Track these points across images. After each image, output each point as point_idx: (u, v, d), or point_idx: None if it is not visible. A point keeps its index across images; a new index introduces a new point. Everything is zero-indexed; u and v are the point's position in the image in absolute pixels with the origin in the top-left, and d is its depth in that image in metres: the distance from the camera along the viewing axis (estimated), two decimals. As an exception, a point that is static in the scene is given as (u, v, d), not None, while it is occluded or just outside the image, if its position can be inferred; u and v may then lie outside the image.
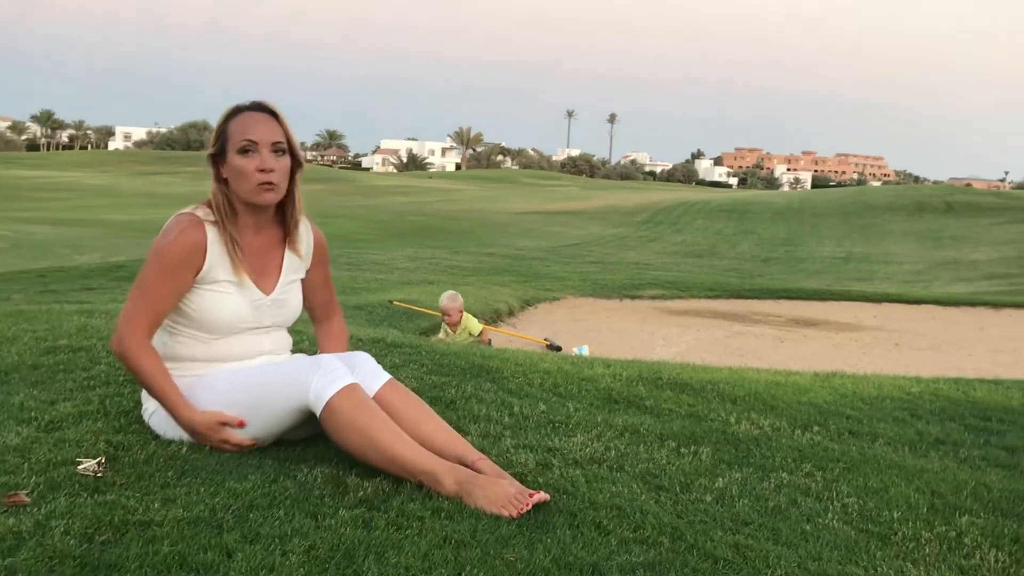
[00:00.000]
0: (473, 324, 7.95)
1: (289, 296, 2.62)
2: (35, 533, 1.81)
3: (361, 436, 2.28)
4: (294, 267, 2.63)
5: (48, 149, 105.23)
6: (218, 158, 2.50)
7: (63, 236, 18.95)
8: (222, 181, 2.50)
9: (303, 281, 2.68)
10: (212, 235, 2.46)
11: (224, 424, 2.38)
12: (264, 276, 2.57)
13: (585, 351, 8.13)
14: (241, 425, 2.39)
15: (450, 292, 8.18)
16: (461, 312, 7.88)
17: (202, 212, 2.48)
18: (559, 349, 8.46)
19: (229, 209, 2.49)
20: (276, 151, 2.48)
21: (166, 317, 2.47)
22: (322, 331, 2.82)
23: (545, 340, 9.28)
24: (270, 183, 2.46)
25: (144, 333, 2.42)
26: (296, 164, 2.55)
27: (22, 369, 3.19)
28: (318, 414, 2.32)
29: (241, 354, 2.55)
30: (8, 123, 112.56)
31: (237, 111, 2.50)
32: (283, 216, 2.60)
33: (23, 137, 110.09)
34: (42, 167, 62.38)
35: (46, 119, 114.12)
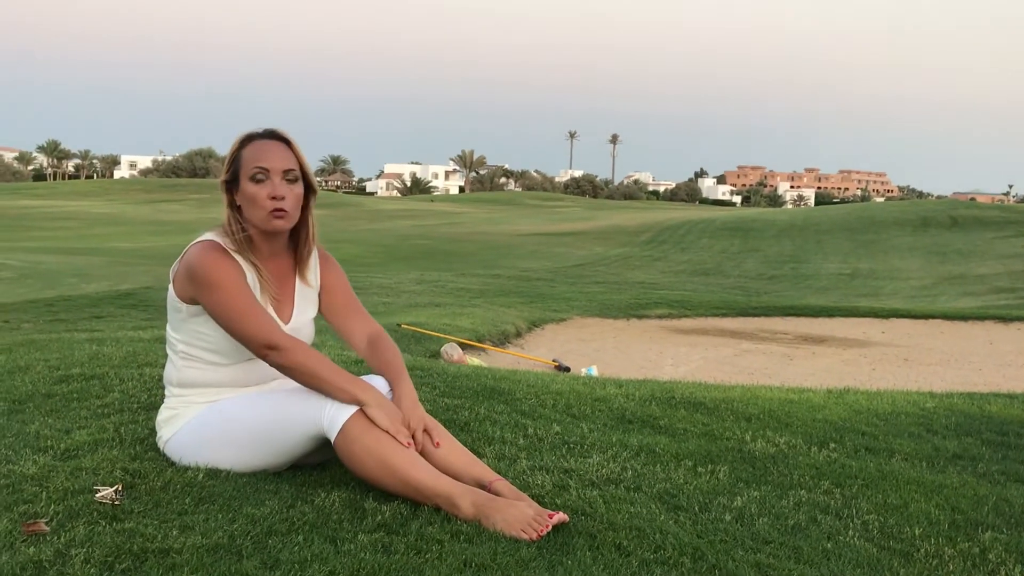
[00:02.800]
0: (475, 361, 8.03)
1: (303, 325, 2.62)
2: (55, 562, 1.80)
3: (376, 461, 2.27)
4: (306, 295, 2.63)
5: (54, 179, 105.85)
6: (231, 185, 2.51)
7: (71, 265, 19.01)
8: (235, 208, 2.51)
9: (324, 306, 2.68)
10: (240, 261, 2.47)
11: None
12: (281, 304, 2.57)
13: (594, 371, 8.11)
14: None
15: (448, 345, 8.34)
16: (463, 361, 7.96)
17: (223, 241, 2.49)
18: (568, 370, 8.43)
19: (243, 236, 2.50)
20: (288, 179, 2.49)
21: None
22: (366, 352, 2.61)
23: (553, 361, 9.26)
24: (281, 210, 2.47)
25: (282, 331, 2.41)
26: (310, 191, 2.56)
27: (36, 398, 3.19)
28: (332, 439, 2.32)
29: (255, 379, 2.55)
30: (15, 154, 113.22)
31: (250, 138, 2.51)
32: (296, 243, 2.61)
33: (30, 167, 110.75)
34: (49, 197, 62.70)
35: (52, 149, 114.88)
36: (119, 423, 2.84)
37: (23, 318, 10.47)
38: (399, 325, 10.00)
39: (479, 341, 9.90)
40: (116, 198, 61.38)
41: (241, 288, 2.41)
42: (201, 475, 2.36)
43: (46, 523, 1.98)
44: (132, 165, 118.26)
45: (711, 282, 24.57)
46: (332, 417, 2.32)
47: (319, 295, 2.67)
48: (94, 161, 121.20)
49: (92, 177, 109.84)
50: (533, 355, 9.88)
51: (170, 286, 2.51)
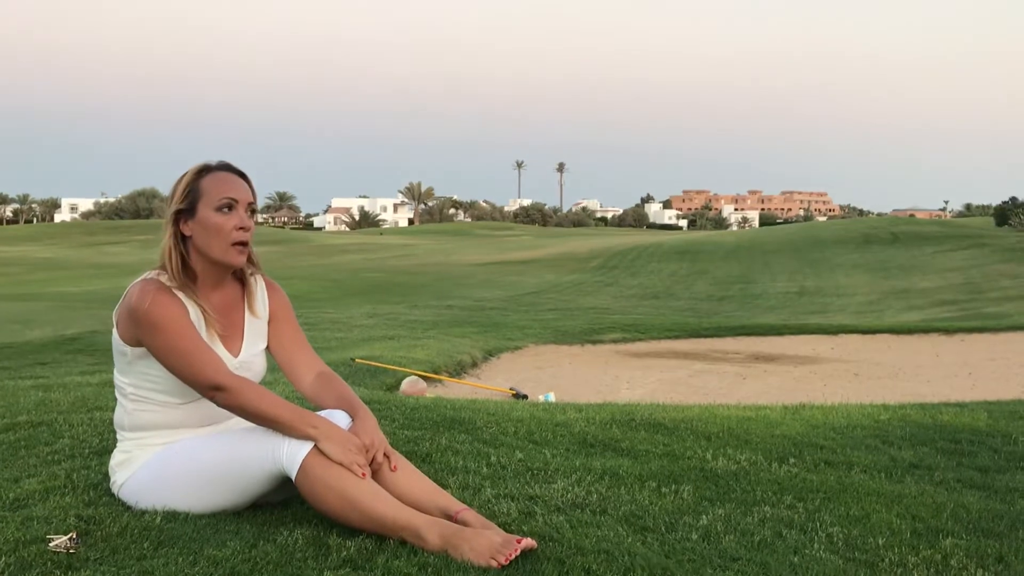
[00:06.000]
0: None
1: (254, 358, 2.58)
2: (9, 616, 1.74)
3: (338, 496, 2.24)
4: (255, 327, 2.59)
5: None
6: (184, 215, 2.47)
7: (12, 311, 18.54)
8: (181, 239, 2.47)
9: (271, 337, 2.63)
10: (183, 299, 2.43)
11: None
12: (229, 337, 2.53)
13: (552, 398, 8.11)
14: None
15: (410, 378, 8.09)
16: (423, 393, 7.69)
17: (165, 279, 2.44)
18: (525, 397, 8.42)
19: (183, 269, 2.45)
20: (249, 211, 2.48)
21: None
22: (312, 388, 2.58)
23: (511, 389, 9.24)
24: (245, 243, 2.46)
25: (228, 371, 2.36)
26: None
27: (-18, 447, 3.09)
28: (293, 477, 2.28)
29: (210, 418, 2.50)
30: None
31: (208, 169, 2.49)
32: (242, 273, 2.58)
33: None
34: (-13, 243, 61.20)
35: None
36: (70, 469, 2.76)
37: (-36, 367, 10.16)
38: (353, 359, 9.91)
39: (435, 372, 9.85)
40: (57, 242, 60.16)
41: (184, 328, 2.36)
42: (159, 518, 2.30)
43: (-2, 576, 1.91)
44: (73, 208, 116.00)
45: (662, 305, 24.80)
46: (291, 455, 2.28)
47: (268, 325, 2.63)
48: (33, 205, 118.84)
49: (32, 221, 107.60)
50: (490, 384, 9.85)
51: (114, 329, 2.46)
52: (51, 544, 2.08)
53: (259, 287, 2.62)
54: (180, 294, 2.42)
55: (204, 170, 2.49)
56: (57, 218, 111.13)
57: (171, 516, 2.32)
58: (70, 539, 2.10)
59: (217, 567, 2.00)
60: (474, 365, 11.25)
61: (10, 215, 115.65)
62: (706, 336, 14.46)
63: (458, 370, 10.59)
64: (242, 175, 2.51)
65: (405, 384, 7.88)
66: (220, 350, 2.47)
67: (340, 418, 2.40)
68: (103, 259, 44.04)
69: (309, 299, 22.59)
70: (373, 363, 9.72)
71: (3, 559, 2.01)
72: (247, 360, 2.54)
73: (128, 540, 2.15)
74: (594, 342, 13.73)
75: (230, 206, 2.44)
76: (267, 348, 2.62)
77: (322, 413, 2.40)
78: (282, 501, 2.48)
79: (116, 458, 2.51)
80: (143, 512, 2.35)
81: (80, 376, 6.41)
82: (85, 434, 3.28)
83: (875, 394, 8.81)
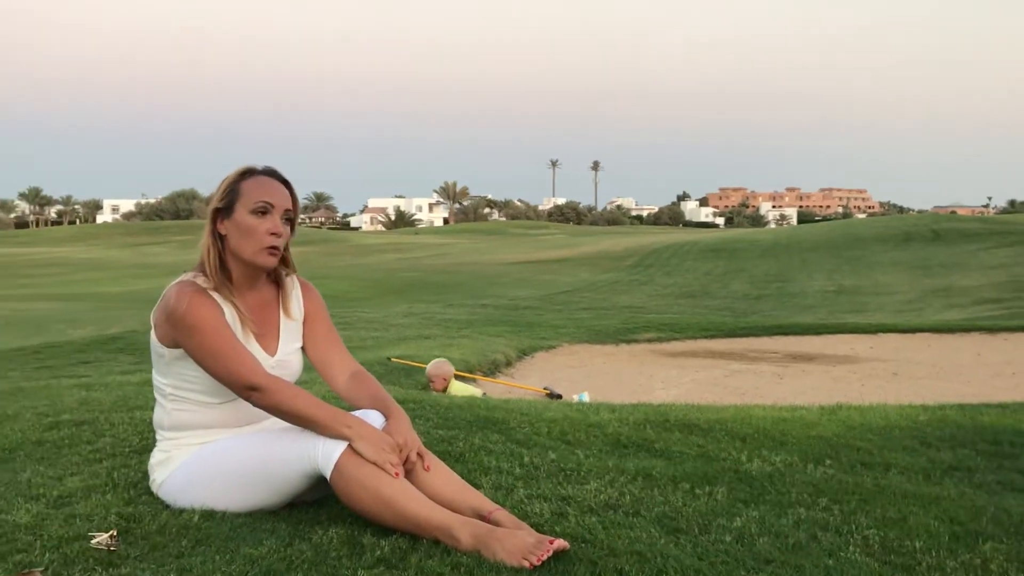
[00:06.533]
0: (460, 390, 7.58)
1: (292, 357, 2.61)
2: (52, 611, 1.78)
3: (372, 495, 2.26)
4: (290, 327, 2.63)
5: (37, 226, 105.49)
6: (221, 214, 2.51)
7: (56, 311, 18.90)
8: (217, 237, 2.51)
9: (305, 336, 2.66)
10: (218, 300, 2.47)
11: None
12: (265, 336, 2.56)
13: (586, 397, 8.10)
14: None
15: (436, 360, 7.98)
16: (446, 381, 7.61)
17: (201, 280, 2.48)
18: (559, 397, 8.42)
19: (220, 267, 2.49)
20: (285, 219, 2.51)
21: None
22: (346, 387, 2.60)
23: (544, 389, 9.25)
24: (276, 248, 2.49)
25: (264, 371, 2.39)
26: (291, 231, 2.58)
27: (26, 446, 3.17)
28: (328, 476, 2.30)
29: (247, 418, 2.54)
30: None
31: (251, 172, 2.53)
32: (277, 275, 2.61)
33: (12, 215, 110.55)
34: (32, 244, 62.51)
35: (34, 196, 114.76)
36: (111, 468, 2.81)
37: (9, 366, 10.39)
38: (389, 359, 9.97)
39: (469, 371, 9.88)
40: (99, 243, 61.19)
41: (220, 329, 2.40)
42: (197, 517, 2.34)
43: (41, 572, 1.96)
44: (115, 209, 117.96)
45: (698, 304, 24.64)
46: (326, 454, 2.31)
47: (303, 325, 2.66)
48: (76, 207, 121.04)
49: (75, 223, 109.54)
50: (524, 383, 9.86)
51: (152, 331, 2.50)
52: (93, 541, 2.12)
53: (294, 287, 2.65)
54: (216, 295, 2.46)
55: (248, 172, 2.52)
56: (99, 219, 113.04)
57: (208, 515, 2.36)
58: (111, 536, 2.14)
59: (253, 565, 2.03)
60: (508, 364, 11.28)
61: (54, 216, 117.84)
62: (742, 336, 14.36)
63: (492, 369, 10.62)
64: (284, 182, 2.54)
65: (431, 366, 7.83)
66: (256, 349, 2.50)
67: (374, 418, 2.42)
68: (143, 259, 44.72)
69: (346, 298, 22.76)
70: (408, 362, 9.78)
71: (48, 555, 2.06)
72: (283, 359, 2.57)
73: (167, 538, 2.19)
74: (629, 341, 13.69)
75: (265, 210, 2.47)
76: (302, 348, 2.65)
77: (356, 413, 2.43)
78: (317, 500, 2.51)
79: (155, 457, 2.56)
80: (181, 511, 2.39)
81: (121, 375, 6.53)
82: (125, 433, 3.34)
83: (914, 394, 8.69)
